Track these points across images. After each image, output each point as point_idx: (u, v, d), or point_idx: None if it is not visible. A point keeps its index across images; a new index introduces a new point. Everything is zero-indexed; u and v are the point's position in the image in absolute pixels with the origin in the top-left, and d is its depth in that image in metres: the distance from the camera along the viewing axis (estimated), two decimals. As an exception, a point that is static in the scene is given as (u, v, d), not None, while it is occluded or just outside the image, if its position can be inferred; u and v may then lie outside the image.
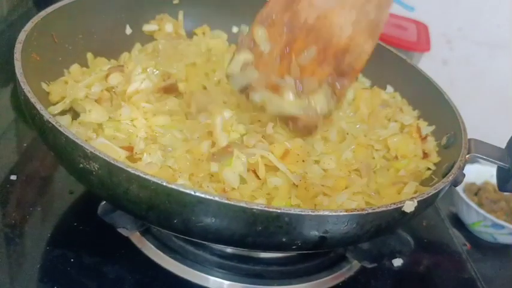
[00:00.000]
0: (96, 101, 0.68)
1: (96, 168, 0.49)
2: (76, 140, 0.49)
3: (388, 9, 0.59)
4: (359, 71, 0.61)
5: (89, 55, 0.77)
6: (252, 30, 0.61)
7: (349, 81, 0.60)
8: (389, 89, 0.88)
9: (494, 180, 0.70)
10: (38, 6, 1.12)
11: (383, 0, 0.58)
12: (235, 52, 0.64)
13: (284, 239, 0.49)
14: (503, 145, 0.67)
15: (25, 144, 0.78)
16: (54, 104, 0.66)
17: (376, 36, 0.60)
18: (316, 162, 0.68)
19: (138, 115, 0.66)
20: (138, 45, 0.85)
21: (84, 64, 0.75)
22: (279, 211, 0.47)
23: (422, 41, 1.23)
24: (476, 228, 1.16)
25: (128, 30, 0.84)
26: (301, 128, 0.63)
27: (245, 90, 0.62)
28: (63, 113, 0.66)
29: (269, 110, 0.63)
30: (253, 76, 0.61)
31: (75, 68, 0.73)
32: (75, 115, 0.67)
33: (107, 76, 0.72)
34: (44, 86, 0.66)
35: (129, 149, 0.61)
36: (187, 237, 0.62)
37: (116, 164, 0.47)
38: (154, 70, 0.76)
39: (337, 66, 0.58)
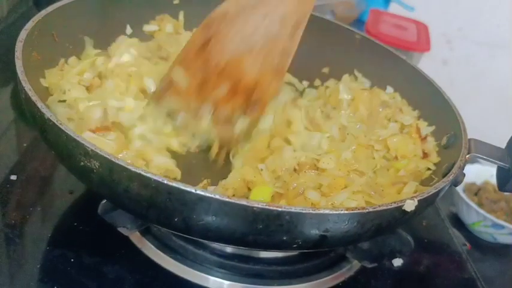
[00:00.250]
0: (87, 88, 0.69)
1: (97, 166, 0.49)
2: (77, 138, 0.49)
3: (291, 57, 0.68)
4: (267, 102, 0.70)
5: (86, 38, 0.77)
6: (170, 70, 0.69)
7: (260, 107, 0.69)
8: (389, 89, 0.88)
9: (494, 180, 0.70)
10: (38, 6, 1.12)
11: (286, 48, 0.67)
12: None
13: (285, 238, 0.49)
14: (503, 145, 0.67)
15: (25, 144, 0.78)
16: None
17: (280, 78, 0.69)
18: (316, 161, 0.69)
19: (121, 82, 0.70)
20: (138, 45, 0.85)
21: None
22: (279, 209, 0.47)
23: (422, 41, 1.23)
24: (476, 228, 1.16)
25: (128, 30, 0.84)
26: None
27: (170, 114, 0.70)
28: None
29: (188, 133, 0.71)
30: (176, 104, 0.69)
31: (72, 60, 0.74)
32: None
33: (94, 61, 0.74)
34: (42, 81, 0.66)
35: None
36: (187, 236, 0.62)
37: (117, 162, 0.47)
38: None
39: (248, 98, 0.68)
